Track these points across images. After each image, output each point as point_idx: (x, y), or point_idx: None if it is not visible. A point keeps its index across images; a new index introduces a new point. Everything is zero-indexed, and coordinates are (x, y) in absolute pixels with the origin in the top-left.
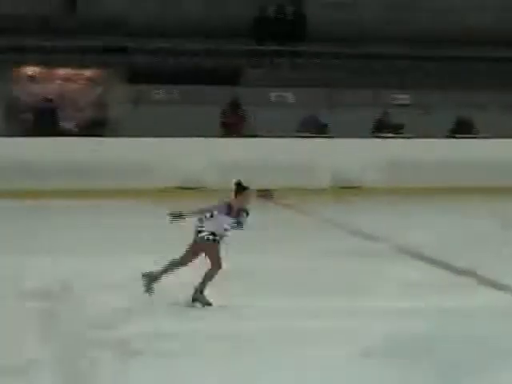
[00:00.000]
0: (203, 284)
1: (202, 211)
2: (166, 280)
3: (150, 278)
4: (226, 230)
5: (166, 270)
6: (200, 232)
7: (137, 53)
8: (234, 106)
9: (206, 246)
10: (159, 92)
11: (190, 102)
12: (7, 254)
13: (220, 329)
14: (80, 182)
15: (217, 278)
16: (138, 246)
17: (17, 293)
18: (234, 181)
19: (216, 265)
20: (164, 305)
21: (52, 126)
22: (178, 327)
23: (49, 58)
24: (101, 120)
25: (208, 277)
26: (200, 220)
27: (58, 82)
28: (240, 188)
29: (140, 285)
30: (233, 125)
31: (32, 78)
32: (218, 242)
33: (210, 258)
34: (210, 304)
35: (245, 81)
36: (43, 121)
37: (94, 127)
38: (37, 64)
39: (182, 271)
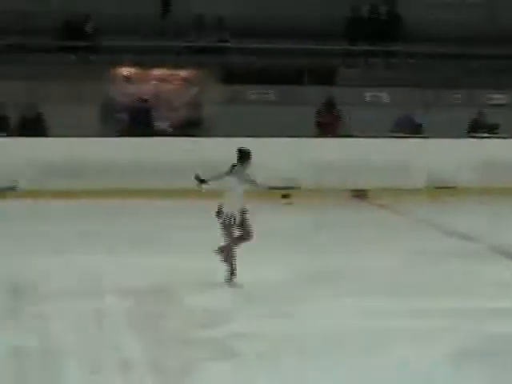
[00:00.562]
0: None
1: (220, 176)
2: (259, 281)
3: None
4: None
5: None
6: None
7: (232, 53)
8: (329, 106)
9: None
10: (254, 92)
11: (285, 102)
12: (108, 253)
13: (313, 328)
14: (175, 182)
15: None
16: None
17: (112, 291)
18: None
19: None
20: (259, 305)
21: (147, 126)
22: (274, 327)
23: (144, 59)
24: (195, 120)
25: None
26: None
27: (154, 82)
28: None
29: (237, 284)
30: (328, 125)
31: (127, 79)
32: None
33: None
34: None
35: (340, 81)
36: (138, 121)
37: (189, 127)
38: (132, 65)
39: (278, 272)
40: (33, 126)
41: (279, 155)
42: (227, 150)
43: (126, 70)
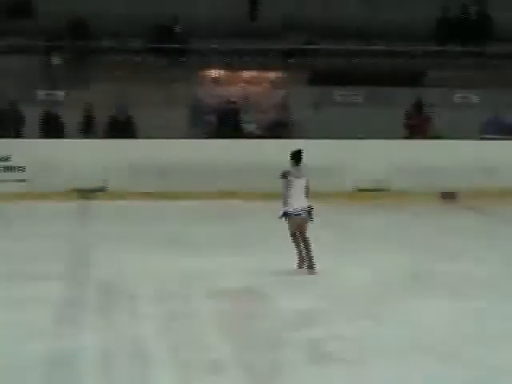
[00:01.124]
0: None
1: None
2: (349, 282)
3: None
4: None
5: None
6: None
7: (319, 55)
8: (418, 108)
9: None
10: (341, 94)
11: (373, 104)
12: (198, 254)
13: (403, 330)
14: (263, 184)
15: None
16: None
17: (203, 293)
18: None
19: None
20: (349, 306)
21: (235, 128)
22: (364, 329)
23: (233, 61)
24: (283, 122)
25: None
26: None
27: (242, 84)
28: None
29: (328, 287)
30: (417, 126)
31: (216, 81)
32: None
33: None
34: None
35: (428, 82)
36: (226, 123)
37: (277, 129)
38: (221, 67)
39: (368, 273)
40: (123, 128)
41: (368, 157)
42: (315, 152)
43: (214, 72)
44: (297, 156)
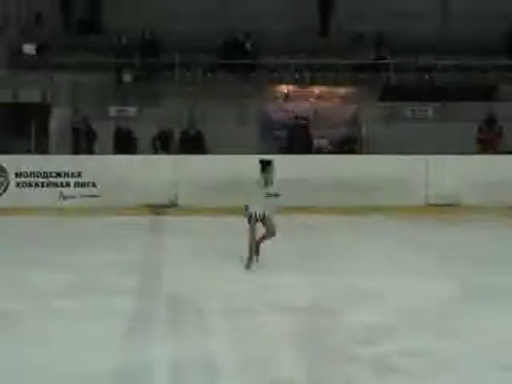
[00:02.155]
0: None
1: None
2: (422, 296)
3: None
4: None
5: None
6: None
7: (390, 69)
8: (490, 122)
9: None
10: (412, 109)
11: (444, 119)
12: (267, 270)
13: (470, 346)
14: (334, 199)
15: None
16: (386, 261)
17: (274, 307)
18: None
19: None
20: (422, 321)
21: (305, 143)
22: (438, 345)
23: (303, 76)
24: (354, 137)
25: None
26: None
27: (312, 99)
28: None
29: (395, 301)
30: (488, 141)
31: (286, 96)
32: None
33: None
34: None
35: (500, 96)
36: (297, 139)
37: (347, 145)
38: (291, 82)
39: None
40: (193, 144)
41: (439, 172)
42: (386, 167)
43: (284, 88)
44: (265, 165)
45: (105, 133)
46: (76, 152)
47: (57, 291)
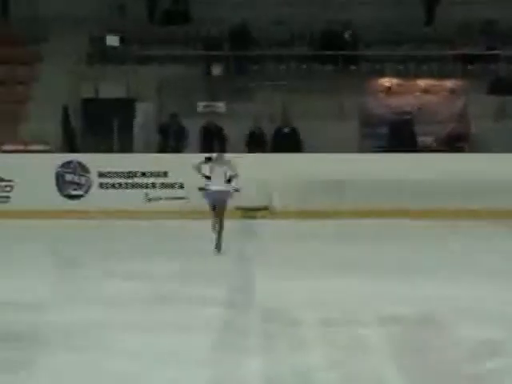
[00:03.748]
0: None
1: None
2: None
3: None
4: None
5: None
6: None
7: (500, 61)
8: None
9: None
10: None
11: None
12: (366, 278)
13: None
14: (433, 201)
15: None
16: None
17: (374, 319)
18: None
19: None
20: None
21: (409, 141)
22: None
23: (406, 69)
24: (462, 134)
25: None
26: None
27: (417, 93)
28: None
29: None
30: None
31: (389, 90)
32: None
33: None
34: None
35: None
36: (400, 135)
37: (455, 142)
38: (394, 75)
39: None
40: (288, 142)
41: None
42: (497, 167)
43: (386, 81)
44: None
45: (192, 130)
46: (163, 150)
47: (140, 301)
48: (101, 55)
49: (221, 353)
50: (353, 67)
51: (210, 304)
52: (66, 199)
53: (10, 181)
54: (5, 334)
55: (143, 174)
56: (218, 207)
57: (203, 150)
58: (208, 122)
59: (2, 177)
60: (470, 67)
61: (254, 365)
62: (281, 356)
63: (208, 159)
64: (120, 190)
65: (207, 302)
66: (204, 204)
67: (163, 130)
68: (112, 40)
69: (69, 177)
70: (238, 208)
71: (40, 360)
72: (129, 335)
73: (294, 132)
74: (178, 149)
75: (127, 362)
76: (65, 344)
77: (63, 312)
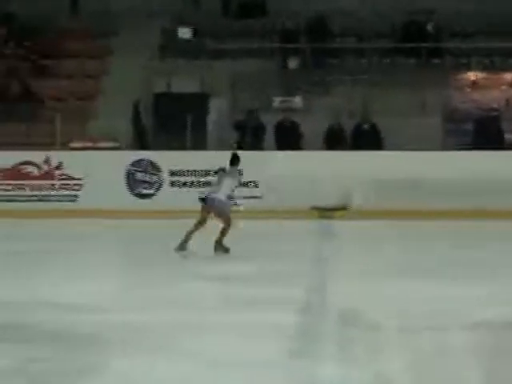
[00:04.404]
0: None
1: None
2: None
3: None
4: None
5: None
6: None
7: None
8: None
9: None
10: None
11: None
12: (445, 281)
13: None
14: None
15: None
16: None
17: (458, 325)
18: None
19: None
20: None
21: (495, 138)
22: None
23: (493, 62)
24: None
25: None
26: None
27: (503, 88)
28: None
29: None
30: None
31: (474, 85)
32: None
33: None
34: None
35: None
36: (486, 132)
37: None
38: (479, 68)
39: None
40: (367, 138)
41: None
42: None
43: (472, 75)
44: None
45: (268, 126)
46: (238, 148)
47: (212, 305)
48: (173, 49)
49: (296, 357)
50: (436, 60)
51: (286, 306)
52: (136, 198)
53: (78, 179)
54: (76, 336)
55: (216, 173)
56: (214, 214)
57: (279, 148)
58: (283, 118)
59: (71, 175)
60: None
61: (328, 372)
62: (358, 362)
63: (221, 170)
64: (192, 189)
65: (283, 305)
66: (278, 204)
67: (240, 127)
68: (184, 32)
69: (139, 175)
70: (314, 208)
71: (112, 363)
72: (202, 338)
73: (374, 128)
74: (255, 146)
75: (199, 366)
76: (137, 346)
77: (136, 313)
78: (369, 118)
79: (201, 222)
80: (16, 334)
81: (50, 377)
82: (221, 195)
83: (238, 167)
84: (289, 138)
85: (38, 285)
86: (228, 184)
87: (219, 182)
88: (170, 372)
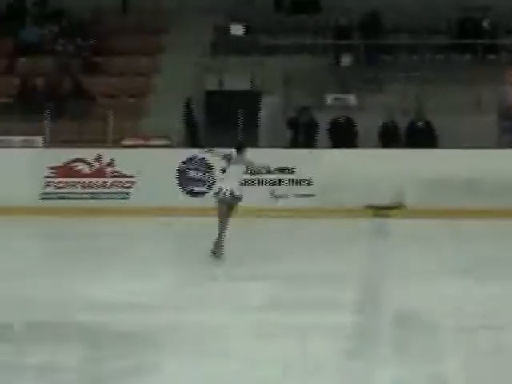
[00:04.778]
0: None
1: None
2: None
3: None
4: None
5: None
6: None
7: None
8: None
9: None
10: None
11: None
12: (502, 282)
13: None
14: None
15: None
16: None
17: None
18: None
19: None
20: None
21: None
22: None
23: None
24: None
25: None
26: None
27: None
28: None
29: None
30: None
31: None
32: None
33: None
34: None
35: None
36: None
37: None
38: None
39: None
40: (422, 136)
41: None
42: None
43: None
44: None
45: (321, 123)
46: (292, 145)
47: (266, 305)
48: (225, 45)
49: (352, 358)
50: (492, 57)
51: (341, 307)
52: (188, 196)
53: (130, 176)
54: (131, 336)
55: (269, 171)
56: (226, 206)
57: (333, 145)
58: (338, 116)
59: (122, 172)
60: None
61: (385, 374)
62: (415, 364)
63: (228, 156)
64: (244, 187)
65: (338, 305)
66: (332, 202)
67: (293, 124)
68: (236, 29)
69: (191, 173)
70: (369, 206)
71: (167, 365)
72: (256, 338)
73: (428, 126)
74: (308, 144)
75: (254, 366)
76: (190, 346)
77: (188, 312)
78: (423, 115)
79: (224, 220)
80: (70, 333)
81: (109, 376)
82: (232, 186)
83: (245, 156)
84: (344, 136)
85: (90, 284)
86: (235, 173)
87: (226, 171)
88: (223, 373)
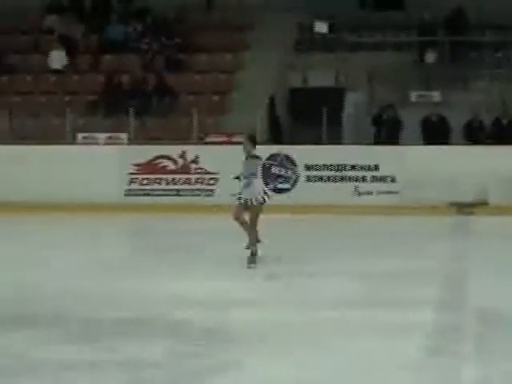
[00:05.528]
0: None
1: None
2: None
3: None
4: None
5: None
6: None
7: None
8: None
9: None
10: None
11: None
12: None
13: None
14: None
15: None
16: None
17: None
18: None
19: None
20: None
21: None
22: None
23: None
24: None
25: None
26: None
27: None
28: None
29: None
30: None
31: None
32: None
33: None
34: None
35: None
36: None
37: None
38: None
39: None
40: (507, 133)
41: None
42: None
43: None
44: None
45: (406, 121)
46: (376, 142)
47: (352, 302)
48: (309, 43)
49: (436, 356)
50: None
51: (424, 304)
52: (271, 193)
53: (214, 173)
54: (210, 332)
55: (353, 167)
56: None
57: (425, 143)
58: (430, 114)
59: (206, 169)
60: None
61: (469, 369)
62: (498, 360)
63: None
64: (328, 184)
65: (421, 303)
66: (416, 199)
67: (377, 121)
68: (321, 27)
69: (275, 169)
70: (452, 203)
71: (247, 361)
72: (343, 336)
73: None
74: (392, 141)
75: (340, 365)
76: (275, 343)
77: (273, 310)
78: (508, 112)
79: (255, 222)
80: (157, 329)
81: (195, 372)
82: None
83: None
84: (436, 133)
85: (176, 280)
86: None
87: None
88: (311, 371)
